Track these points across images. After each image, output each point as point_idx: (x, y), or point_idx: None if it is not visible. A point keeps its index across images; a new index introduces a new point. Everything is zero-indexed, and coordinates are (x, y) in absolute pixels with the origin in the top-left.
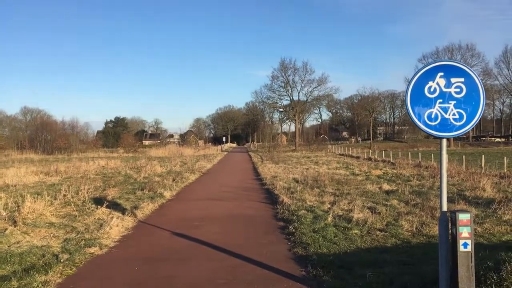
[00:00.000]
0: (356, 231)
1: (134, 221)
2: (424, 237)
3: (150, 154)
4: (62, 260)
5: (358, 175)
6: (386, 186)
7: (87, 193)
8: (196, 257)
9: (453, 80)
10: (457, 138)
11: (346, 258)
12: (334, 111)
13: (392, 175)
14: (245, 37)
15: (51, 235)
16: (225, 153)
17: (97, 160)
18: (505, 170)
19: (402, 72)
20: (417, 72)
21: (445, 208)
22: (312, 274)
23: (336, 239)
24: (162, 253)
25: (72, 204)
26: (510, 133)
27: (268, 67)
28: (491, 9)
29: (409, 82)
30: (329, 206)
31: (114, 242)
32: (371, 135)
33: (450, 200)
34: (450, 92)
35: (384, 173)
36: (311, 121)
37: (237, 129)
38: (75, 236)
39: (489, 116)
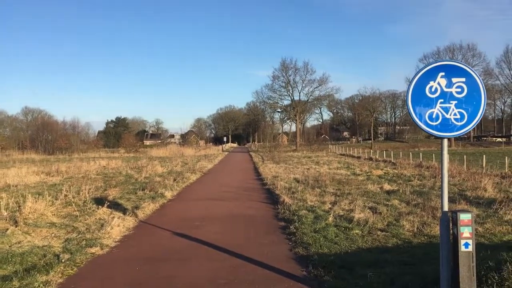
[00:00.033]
0: (357, 231)
1: (135, 221)
2: (425, 237)
3: (151, 154)
4: (63, 260)
5: (359, 175)
6: (387, 186)
7: (88, 193)
8: (197, 257)
9: (454, 80)
10: (458, 138)
11: (347, 258)
12: (335, 111)
13: (393, 175)
14: (245, 37)
15: (52, 235)
16: (226, 153)
17: (98, 160)
18: (506, 170)
19: (402, 72)
20: (418, 72)
21: (446, 208)
22: (313, 274)
23: (337, 239)
24: (163, 253)
25: (73, 204)
26: (511, 133)
27: (268, 67)
28: (491, 9)
29: (410, 82)
30: (330, 206)
31: (115, 242)
32: (372, 135)
33: (451, 200)
34: (451, 92)
35: (385, 173)
36: (312, 121)
37: (238, 129)
38: (76, 236)
39: (490, 116)
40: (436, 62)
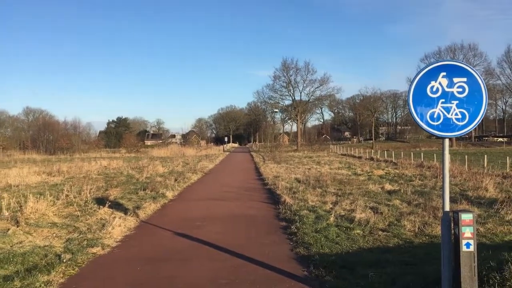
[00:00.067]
0: (358, 231)
1: (136, 221)
2: (427, 237)
3: (152, 154)
4: (64, 260)
5: (360, 175)
6: (388, 186)
7: (89, 193)
8: (198, 257)
9: (455, 80)
10: (459, 138)
11: (348, 258)
12: (336, 111)
13: (394, 175)
14: (245, 37)
15: (54, 235)
16: (227, 153)
17: (99, 160)
18: (508, 170)
19: (403, 72)
20: (419, 72)
21: (447, 208)
22: (314, 274)
23: (338, 239)
24: (164, 253)
25: (75, 204)
26: None
27: (268, 67)
28: (492, 8)
29: (412, 82)
30: (331, 206)
31: (116, 242)
32: (373, 135)
33: (452, 200)
34: (452, 92)
35: (386, 173)
36: (313, 121)
37: (239, 129)
38: (77, 236)
39: (491, 116)
40: (438, 62)
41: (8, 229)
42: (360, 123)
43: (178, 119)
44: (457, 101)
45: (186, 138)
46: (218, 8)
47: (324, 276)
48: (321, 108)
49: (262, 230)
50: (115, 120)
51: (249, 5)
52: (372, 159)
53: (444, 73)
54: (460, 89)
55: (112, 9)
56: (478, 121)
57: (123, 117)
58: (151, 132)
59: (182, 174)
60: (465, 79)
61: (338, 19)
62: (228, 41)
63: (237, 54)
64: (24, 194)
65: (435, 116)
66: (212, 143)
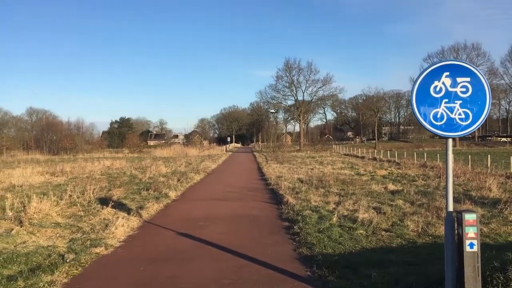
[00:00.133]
0: (361, 231)
1: (140, 221)
2: (430, 237)
3: (155, 154)
4: (68, 260)
5: (363, 175)
6: (391, 186)
7: (92, 193)
8: (201, 257)
9: (459, 79)
10: (462, 138)
11: (351, 258)
12: (338, 111)
13: (397, 175)
14: (245, 37)
15: (57, 235)
16: (230, 153)
17: (102, 160)
18: (511, 170)
19: (406, 72)
20: (422, 72)
21: (451, 208)
22: (317, 274)
23: (341, 239)
24: (167, 253)
25: (78, 204)
26: None
27: (268, 67)
28: (495, 8)
29: (415, 82)
30: (334, 206)
31: (120, 242)
32: (376, 135)
33: (456, 200)
34: (456, 91)
35: (389, 173)
36: (315, 121)
37: (241, 129)
38: (81, 236)
39: (495, 116)
40: (441, 62)
41: (12, 229)
42: (363, 123)
43: (181, 119)
44: (461, 101)
45: (188, 138)
46: (218, 8)
47: (327, 276)
48: (324, 108)
49: (265, 230)
50: (118, 120)
51: (249, 5)
52: (375, 159)
53: (448, 73)
54: (464, 89)
55: (112, 9)
56: (482, 121)
57: (126, 118)
58: (154, 132)
59: (185, 174)
60: (468, 79)
61: (338, 19)
62: (228, 41)
63: (237, 54)
64: (27, 194)
65: (438, 116)
66: (214, 143)
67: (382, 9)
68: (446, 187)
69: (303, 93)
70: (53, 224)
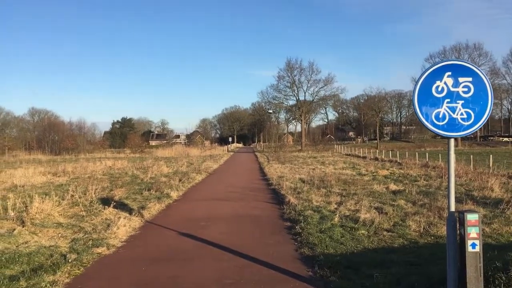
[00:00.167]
0: (363, 231)
1: (141, 221)
2: (432, 237)
3: (156, 154)
4: (70, 260)
5: (364, 175)
6: (393, 186)
7: (94, 193)
8: (203, 257)
9: (461, 79)
10: (464, 138)
11: (353, 259)
12: (340, 111)
13: (399, 175)
14: (245, 37)
15: (59, 235)
16: (231, 153)
17: (104, 160)
18: None
19: (407, 72)
20: (424, 72)
21: (453, 208)
22: (319, 274)
23: (343, 239)
24: (169, 253)
25: (80, 205)
26: None
27: (268, 67)
28: (497, 8)
29: (417, 82)
30: (335, 206)
31: (121, 242)
32: (378, 135)
33: (458, 200)
34: (458, 91)
35: (391, 173)
36: (317, 121)
37: (243, 129)
38: (82, 236)
39: (497, 116)
40: (443, 62)
41: (14, 229)
42: (365, 123)
43: (182, 120)
44: (463, 101)
45: (190, 139)
46: (218, 8)
47: (329, 276)
48: (325, 108)
49: (267, 230)
50: (119, 120)
51: (249, 5)
52: (376, 159)
53: (449, 73)
54: (466, 89)
55: (112, 9)
56: (484, 121)
57: (128, 118)
58: (156, 132)
59: (187, 174)
60: (470, 79)
61: (339, 19)
62: (228, 41)
63: (237, 54)
64: (29, 194)
65: (440, 116)
66: (216, 143)
67: (383, 9)
68: (448, 187)
69: (305, 93)
70: (55, 224)
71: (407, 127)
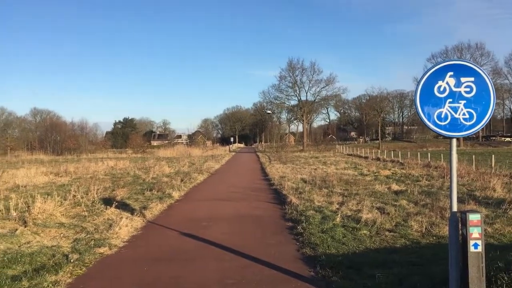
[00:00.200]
0: (365, 231)
1: (143, 221)
2: (434, 237)
3: (158, 154)
4: (72, 260)
5: (366, 175)
6: (395, 187)
7: (96, 193)
8: (205, 257)
9: (463, 79)
10: (466, 138)
11: (355, 259)
12: (342, 111)
13: (401, 175)
14: (245, 37)
15: (61, 235)
16: (233, 153)
17: (106, 160)
18: None
19: (409, 72)
20: (426, 72)
21: (455, 209)
22: (321, 274)
23: (344, 239)
24: (171, 253)
25: (82, 205)
26: None
27: (268, 67)
28: (498, 8)
29: (419, 82)
30: (337, 206)
31: (123, 242)
32: (380, 135)
33: (460, 201)
34: (460, 91)
35: (393, 173)
36: (319, 121)
37: (244, 129)
38: (84, 236)
39: (499, 116)
40: (445, 62)
41: (16, 229)
42: (367, 123)
43: (184, 120)
44: (465, 101)
45: (192, 139)
46: (218, 8)
47: (331, 276)
48: (327, 108)
49: (268, 230)
50: (121, 120)
51: (249, 5)
52: (378, 159)
53: (452, 73)
54: (468, 89)
55: (112, 9)
56: (486, 121)
57: (130, 118)
58: (157, 132)
59: (188, 174)
60: (472, 79)
61: (339, 19)
62: (228, 41)
63: (237, 54)
64: (31, 194)
65: (442, 116)
66: (218, 144)
67: (384, 9)
68: (450, 187)
69: (306, 93)
70: (57, 224)
71: (409, 127)
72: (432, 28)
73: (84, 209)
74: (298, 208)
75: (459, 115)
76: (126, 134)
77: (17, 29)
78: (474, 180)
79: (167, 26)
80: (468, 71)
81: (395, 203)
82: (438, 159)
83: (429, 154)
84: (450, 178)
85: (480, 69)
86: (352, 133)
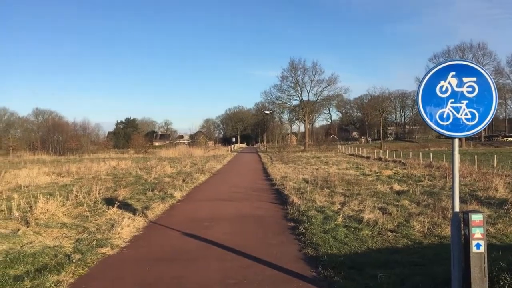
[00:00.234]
0: (366, 231)
1: (145, 221)
2: (436, 238)
3: (160, 154)
4: (74, 260)
5: (368, 175)
6: (397, 187)
7: (98, 193)
8: (207, 257)
9: (465, 79)
10: (469, 138)
11: (357, 259)
12: (343, 111)
13: (403, 176)
14: (245, 37)
15: (63, 235)
16: (235, 153)
17: (108, 161)
18: None
19: (411, 72)
20: (428, 72)
21: (457, 209)
22: (323, 274)
23: (346, 239)
24: (172, 254)
25: (84, 205)
26: None
27: (268, 67)
28: (500, 8)
29: (421, 82)
30: (339, 206)
31: (125, 242)
32: (381, 135)
33: (462, 201)
34: (462, 91)
35: (394, 173)
36: (320, 121)
37: (246, 129)
38: (87, 236)
39: (501, 116)
40: (447, 62)
41: (19, 230)
42: (368, 123)
43: (186, 120)
44: (467, 101)
45: (194, 139)
46: (218, 8)
47: (333, 276)
48: (329, 108)
49: (270, 230)
50: (123, 121)
51: (249, 5)
52: (380, 159)
53: (454, 73)
54: (470, 89)
55: (112, 9)
56: (488, 121)
57: (132, 118)
58: (159, 132)
59: (190, 174)
60: (474, 79)
61: (339, 19)
62: (228, 41)
63: (237, 54)
64: (34, 194)
65: (444, 116)
66: (219, 144)
67: (384, 9)
68: (452, 188)
69: (308, 93)
70: (59, 225)
71: (411, 127)
72: (432, 28)
73: (86, 209)
74: (300, 208)
75: (461, 115)
76: (128, 135)
77: (17, 29)
78: (476, 180)
79: (167, 26)
80: (470, 71)
81: (397, 203)
82: (440, 159)
83: (431, 154)
84: (452, 178)
85: (482, 69)
86: (354, 133)
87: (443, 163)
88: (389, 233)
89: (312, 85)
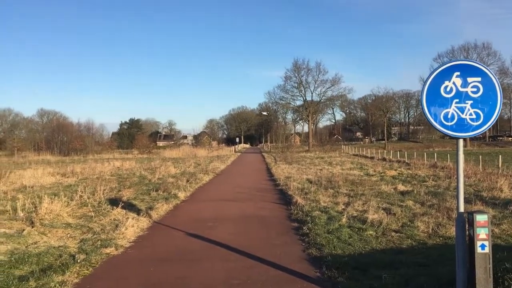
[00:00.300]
0: (371, 232)
1: (149, 221)
2: (440, 238)
3: (164, 155)
4: (78, 261)
5: (372, 175)
6: (401, 187)
7: (102, 194)
8: (210, 257)
9: (469, 79)
10: (473, 138)
11: (361, 259)
12: (347, 111)
13: (407, 176)
14: (245, 37)
15: (68, 235)
16: (239, 154)
17: (112, 161)
18: None
19: (415, 71)
20: (432, 72)
21: (462, 209)
22: (327, 275)
23: (350, 240)
24: (176, 254)
25: (88, 205)
26: None
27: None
28: (505, 7)
29: (425, 82)
30: (343, 207)
31: (130, 242)
32: (386, 135)
33: (466, 201)
34: (466, 91)
35: (399, 173)
36: (324, 122)
37: (250, 130)
38: (91, 236)
39: (506, 116)
40: (451, 62)
41: (23, 230)
42: (372, 123)
43: (190, 120)
44: (472, 101)
45: (197, 139)
46: (218, 8)
47: (337, 277)
48: (333, 109)
49: (274, 231)
50: (127, 121)
51: (249, 5)
52: (384, 159)
53: (458, 73)
54: (475, 89)
55: (112, 9)
56: (493, 121)
57: (136, 119)
58: (163, 133)
59: (194, 175)
60: (479, 79)
61: (339, 19)
62: (228, 41)
63: (237, 54)
64: (38, 195)
65: (449, 116)
66: (223, 144)
67: (385, 9)
68: (457, 188)
69: (312, 93)
70: (64, 225)
71: (415, 127)
72: (437, 28)
73: (91, 209)
74: (303, 209)
75: (465, 115)
76: (132, 135)
77: (17, 29)
78: (481, 181)
79: (167, 26)
80: (475, 71)
81: (401, 203)
82: (445, 159)
83: (435, 154)
84: (457, 178)
85: (487, 69)
86: (358, 133)
87: (448, 163)
88: (393, 233)
89: (316, 85)
